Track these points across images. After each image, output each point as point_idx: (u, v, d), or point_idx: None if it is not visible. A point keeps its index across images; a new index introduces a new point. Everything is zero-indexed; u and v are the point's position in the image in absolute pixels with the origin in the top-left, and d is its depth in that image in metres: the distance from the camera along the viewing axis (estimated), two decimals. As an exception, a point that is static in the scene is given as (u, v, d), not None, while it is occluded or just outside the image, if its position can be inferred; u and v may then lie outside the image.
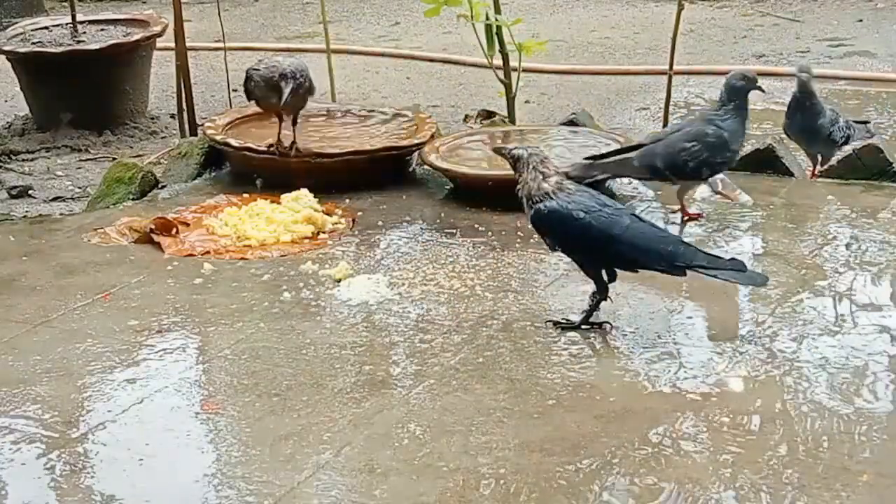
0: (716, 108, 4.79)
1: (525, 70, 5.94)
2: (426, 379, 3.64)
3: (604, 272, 3.90)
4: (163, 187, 5.44)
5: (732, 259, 3.91)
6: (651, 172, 4.77)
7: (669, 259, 3.82)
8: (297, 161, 5.21)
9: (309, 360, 3.78)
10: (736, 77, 4.76)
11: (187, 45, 6.05)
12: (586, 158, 4.88)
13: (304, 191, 4.99)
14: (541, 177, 3.92)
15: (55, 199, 5.73)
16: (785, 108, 5.34)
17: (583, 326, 3.89)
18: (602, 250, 3.86)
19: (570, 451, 3.23)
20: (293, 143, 5.22)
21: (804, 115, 5.20)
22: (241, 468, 3.23)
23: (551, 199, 3.89)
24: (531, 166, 3.94)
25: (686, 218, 4.83)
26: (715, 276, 3.84)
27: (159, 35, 6.75)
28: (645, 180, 5.01)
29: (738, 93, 4.72)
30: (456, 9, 5.60)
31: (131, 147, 6.47)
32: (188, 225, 4.89)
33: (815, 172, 5.32)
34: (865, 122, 5.42)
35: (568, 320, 3.94)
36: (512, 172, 5.07)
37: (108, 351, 3.90)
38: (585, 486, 3.08)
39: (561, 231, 3.90)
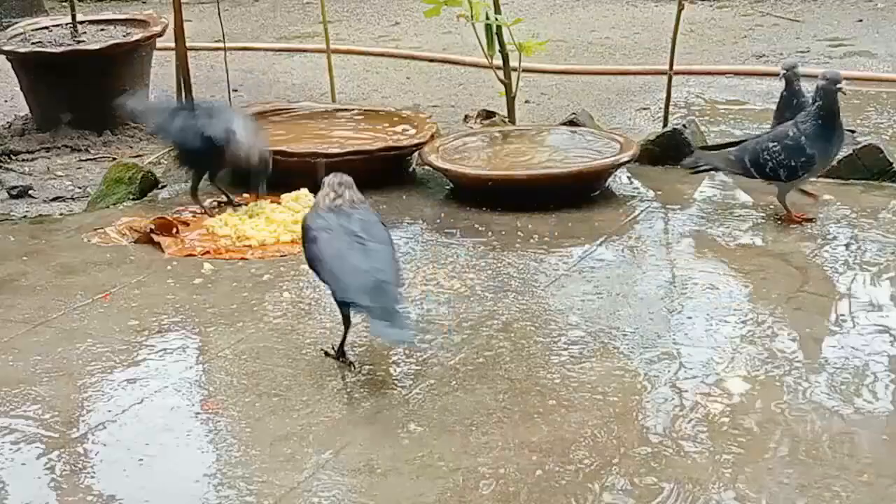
0: (809, 109, 4.72)
1: (525, 70, 5.94)
2: (426, 379, 3.64)
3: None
4: (163, 187, 5.44)
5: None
6: (741, 168, 4.79)
7: (341, 294, 3.66)
8: (297, 161, 5.20)
9: (309, 360, 3.78)
10: (821, 77, 4.69)
11: (187, 45, 6.04)
12: (700, 147, 5.10)
13: (304, 191, 4.99)
14: (332, 195, 3.82)
15: (55, 199, 5.73)
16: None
17: (340, 359, 3.75)
18: (318, 271, 3.76)
19: (570, 450, 3.23)
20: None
21: (793, 115, 5.16)
22: (241, 468, 3.23)
23: (316, 214, 3.82)
24: (328, 185, 3.86)
25: (796, 221, 4.73)
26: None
27: (159, 35, 6.74)
28: (739, 176, 4.92)
29: (820, 94, 4.64)
30: (456, 9, 5.60)
31: (131, 147, 6.46)
32: (188, 225, 4.90)
33: None
34: (853, 132, 5.38)
35: (334, 349, 3.78)
36: (513, 172, 5.15)
37: (108, 351, 3.90)
38: (585, 486, 3.08)
39: (305, 245, 3.84)
